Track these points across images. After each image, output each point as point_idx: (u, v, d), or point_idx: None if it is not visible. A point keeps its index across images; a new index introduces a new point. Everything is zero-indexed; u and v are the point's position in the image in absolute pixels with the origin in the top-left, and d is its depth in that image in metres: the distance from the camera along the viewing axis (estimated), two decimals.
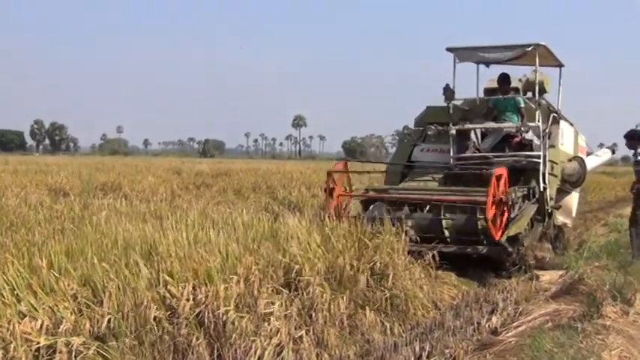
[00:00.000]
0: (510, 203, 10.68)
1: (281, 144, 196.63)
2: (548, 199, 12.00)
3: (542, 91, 13.33)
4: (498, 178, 10.37)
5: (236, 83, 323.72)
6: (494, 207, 10.21)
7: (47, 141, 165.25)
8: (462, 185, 11.85)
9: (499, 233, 10.40)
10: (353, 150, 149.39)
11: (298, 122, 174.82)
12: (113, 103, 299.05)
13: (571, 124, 13.83)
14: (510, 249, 10.59)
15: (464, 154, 12.31)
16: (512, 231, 10.66)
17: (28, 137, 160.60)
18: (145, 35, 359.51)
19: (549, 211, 12.15)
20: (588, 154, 15.20)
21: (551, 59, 12.87)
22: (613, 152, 17.06)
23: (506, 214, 10.63)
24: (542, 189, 11.77)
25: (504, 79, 12.96)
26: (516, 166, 11.91)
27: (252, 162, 72.74)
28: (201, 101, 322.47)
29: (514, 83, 13.17)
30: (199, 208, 11.62)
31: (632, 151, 12.38)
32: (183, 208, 11.46)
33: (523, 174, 11.98)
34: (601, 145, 16.92)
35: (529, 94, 12.92)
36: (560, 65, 13.31)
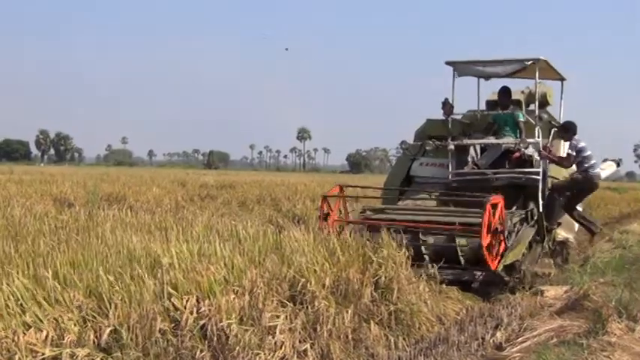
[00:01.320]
0: (507, 232, 10.50)
1: (285, 156, 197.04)
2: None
3: (545, 103, 13.29)
4: (494, 206, 10.18)
5: (241, 95, 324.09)
6: (489, 236, 10.01)
7: (52, 151, 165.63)
8: (460, 203, 11.61)
9: (495, 262, 10.19)
10: (357, 163, 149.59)
11: (303, 135, 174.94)
12: (118, 113, 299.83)
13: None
14: (507, 278, 10.39)
15: (462, 170, 12.24)
16: (508, 259, 10.46)
17: (34, 147, 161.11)
18: (150, 47, 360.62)
19: (549, 228, 12.04)
20: None
21: (552, 73, 12.82)
22: (618, 165, 16.95)
23: (502, 244, 10.41)
24: (541, 209, 11.60)
25: (505, 92, 12.85)
26: (516, 183, 11.84)
27: (257, 174, 72.79)
28: (206, 113, 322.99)
29: (516, 95, 13.07)
30: (204, 219, 11.61)
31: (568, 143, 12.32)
32: (188, 220, 11.45)
33: (523, 191, 11.89)
34: (605, 160, 16.77)
35: (532, 106, 12.81)
36: (562, 79, 13.26)
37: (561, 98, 13.32)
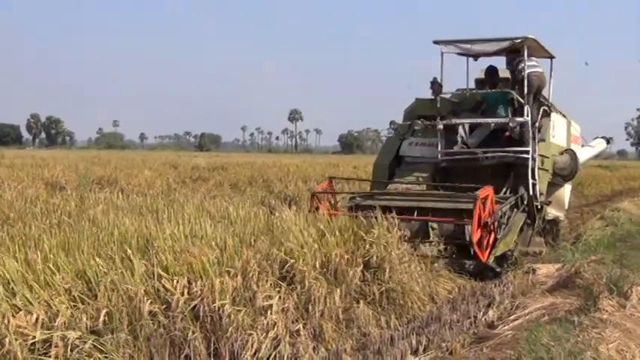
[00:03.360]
0: (497, 224, 10.39)
1: (277, 138, 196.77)
2: (538, 194, 11.84)
3: (538, 92, 13.25)
4: (484, 200, 10.11)
5: (233, 77, 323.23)
6: (479, 230, 9.94)
7: (43, 135, 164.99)
8: (451, 180, 11.67)
9: (486, 254, 10.13)
10: (349, 144, 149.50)
11: (294, 116, 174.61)
12: (109, 97, 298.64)
13: (564, 116, 13.73)
14: (498, 269, 10.35)
15: (452, 150, 12.18)
16: (499, 249, 10.42)
17: (25, 131, 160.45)
18: (141, 29, 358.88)
19: (539, 207, 12.01)
20: (583, 145, 15.15)
21: (541, 51, 12.72)
22: (608, 142, 16.91)
23: (492, 235, 10.31)
24: (531, 191, 11.55)
25: (492, 71, 12.82)
26: (506, 162, 11.83)
27: (249, 156, 72.77)
28: (198, 95, 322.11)
29: (505, 74, 13.00)
30: (196, 201, 11.59)
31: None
32: (180, 202, 11.43)
33: (513, 170, 11.85)
34: (596, 138, 16.74)
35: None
36: (551, 57, 13.18)
37: (550, 76, 13.23)
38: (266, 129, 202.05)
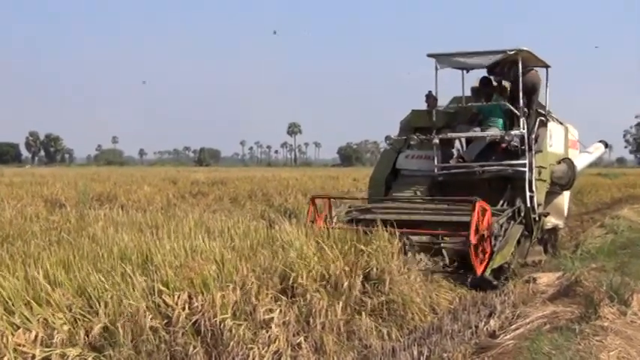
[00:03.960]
0: (494, 236, 10.36)
1: (276, 151, 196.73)
2: (536, 206, 11.76)
3: (533, 92, 13.23)
4: (482, 211, 10.08)
5: (230, 92, 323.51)
6: (476, 238, 9.88)
7: (42, 152, 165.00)
8: (448, 193, 11.56)
9: (482, 267, 10.06)
10: (348, 156, 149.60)
11: (293, 129, 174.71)
12: (108, 113, 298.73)
13: (560, 123, 13.68)
14: (495, 282, 10.16)
15: (448, 164, 12.10)
16: (496, 262, 10.34)
17: (24, 149, 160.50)
18: (138, 45, 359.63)
19: (537, 219, 11.94)
20: (580, 151, 15.13)
21: (536, 62, 12.73)
22: (606, 146, 16.85)
23: (489, 248, 10.26)
24: (528, 203, 11.46)
25: (486, 82, 12.74)
26: (502, 175, 11.75)
27: (248, 170, 72.83)
28: (196, 110, 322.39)
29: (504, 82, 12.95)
30: (195, 216, 11.59)
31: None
32: (180, 217, 11.43)
33: (510, 182, 11.75)
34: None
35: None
36: (546, 66, 13.17)
37: (547, 85, 13.21)
38: (265, 143, 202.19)
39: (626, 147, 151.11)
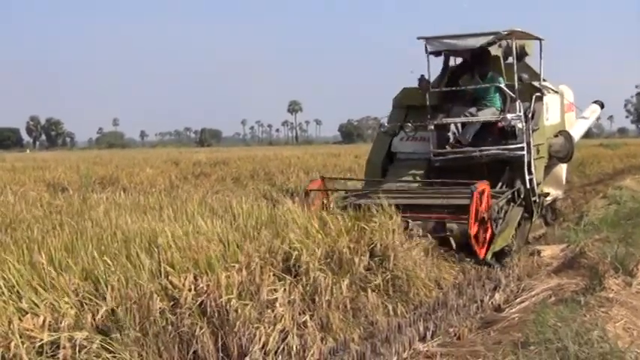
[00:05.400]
0: (494, 218, 10.31)
1: (277, 130, 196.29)
2: (536, 187, 11.65)
3: (524, 54, 13.11)
4: (481, 193, 10.03)
5: (230, 71, 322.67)
6: (476, 225, 9.86)
7: (44, 137, 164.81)
8: (445, 177, 11.38)
9: (483, 251, 10.03)
10: (350, 133, 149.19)
11: (294, 107, 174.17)
12: (108, 96, 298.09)
13: (555, 91, 13.47)
14: (497, 265, 10.10)
15: (444, 150, 11.88)
16: (497, 245, 10.29)
17: (25, 134, 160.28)
18: (138, 26, 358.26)
19: (537, 200, 11.83)
20: (577, 116, 14.99)
21: (529, 37, 12.60)
22: (602, 106, 16.55)
23: (489, 230, 10.23)
24: (527, 182, 11.36)
25: (481, 61, 12.40)
26: (500, 159, 11.60)
27: (250, 149, 72.75)
28: (196, 91, 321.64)
29: (494, 51, 12.69)
30: (198, 197, 11.58)
31: None
32: (182, 199, 11.42)
33: (508, 164, 11.62)
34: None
35: (510, 59, 12.43)
36: (540, 39, 13.00)
37: (540, 57, 13.04)
38: (266, 122, 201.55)
39: (627, 117, 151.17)
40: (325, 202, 11.12)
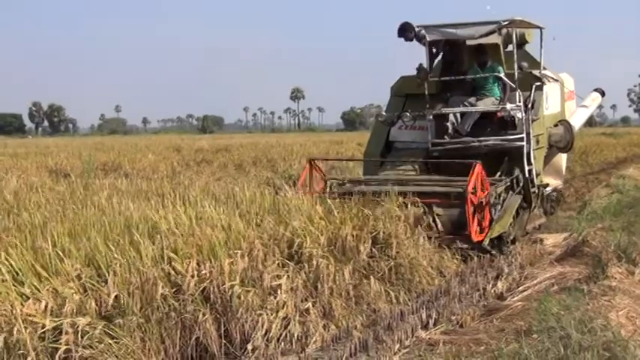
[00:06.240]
0: (492, 204, 10.20)
1: (280, 117, 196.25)
2: (535, 177, 11.53)
3: (524, 42, 13.00)
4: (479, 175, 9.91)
5: (232, 58, 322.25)
6: (473, 208, 9.72)
7: (46, 123, 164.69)
8: (443, 169, 11.27)
9: (480, 236, 9.89)
10: (352, 120, 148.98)
11: (296, 95, 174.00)
12: (111, 82, 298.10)
13: (555, 79, 13.25)
14: (494, 251, 10.06)
15: (443, 140, 11.67)
16: (495, 232, 10.16)
17: (27, 120, 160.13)
18: (139, 14, 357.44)
19: (536, 191, 11.74)
20: (578, 105, 14.88)
21: (529, 27, 12.48)
22: (603, 94, 16.39)
23: (487, 216, 10.10)
24: (527, 173, 11.24)
25: (480, 49, 12.23)
26: (499, 149, 11.41)
27: (252, 136, 72.77)
28: (199, 77, 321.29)
29: (493, 39, 12.57)
30: (200, 184, 11.57)
31: None
32: (185, 185, 11.41)
33: (507, 154, 11.44)
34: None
35: (510, 47, 12.28)
36: (540, 28, 12.87)
37: (541, 46, 12.89)
38: (268, 109, 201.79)
39: (630, 106, 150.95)
40: (322, 186, 10.95)
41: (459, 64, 12.41)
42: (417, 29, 11.46)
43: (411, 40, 11.71)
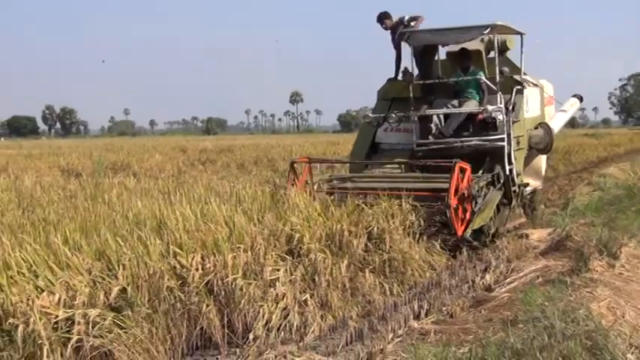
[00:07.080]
0: (473, 196, 10.05)
1: (280, 119, 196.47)
2: (515, 177, 11.40)
3: (505, 49, 12.95)
4: (462, 170, 9.81)
5: (235, 62, 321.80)
6: (456, 199, 9.61)
7: (58, 125, 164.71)
8: (428, 166, 11.00)
9: (462, 228, 9.76)
10: (348, 122, 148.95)
11: (295, 98, 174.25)
12: (120, 86, 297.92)
13: (534, 84, 13.13)
14: (475, 243, 10.02)
15: (427, 140, 11.56)
16: (476, 224, 10.04)
17: (40, 122, 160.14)
18: (147, 19, 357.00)
19: (516, 191, 11.59)
20: (557, 109, 14.85)
21: (510, 31, 12.45)
22: (581, 100, 16.34)
23: (469, 208, 9.96)
24: (507, 172, 11.10)
25: (464, 54, 12.18)
26: (481, 150, 11.25)
27: (253, 137, 72.76)
28: (202, 81, 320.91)
29: (475, 45, 12.53)
30: (205, 182, 11.58)
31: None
32: (190, 184, 11.42)
33: (489, 154, 11.29)
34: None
35: (492, 54, 12.20)
36: (521, 34, 12.82)
37: (521, 52, 12.81)
38: (269, 111, 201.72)
39: (610, 108, 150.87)
40: (309, 182, 10.65)
41: (432, 67, 12.31)
42: (405, 35, 11.50)
43: (386, 30, 12.05)
